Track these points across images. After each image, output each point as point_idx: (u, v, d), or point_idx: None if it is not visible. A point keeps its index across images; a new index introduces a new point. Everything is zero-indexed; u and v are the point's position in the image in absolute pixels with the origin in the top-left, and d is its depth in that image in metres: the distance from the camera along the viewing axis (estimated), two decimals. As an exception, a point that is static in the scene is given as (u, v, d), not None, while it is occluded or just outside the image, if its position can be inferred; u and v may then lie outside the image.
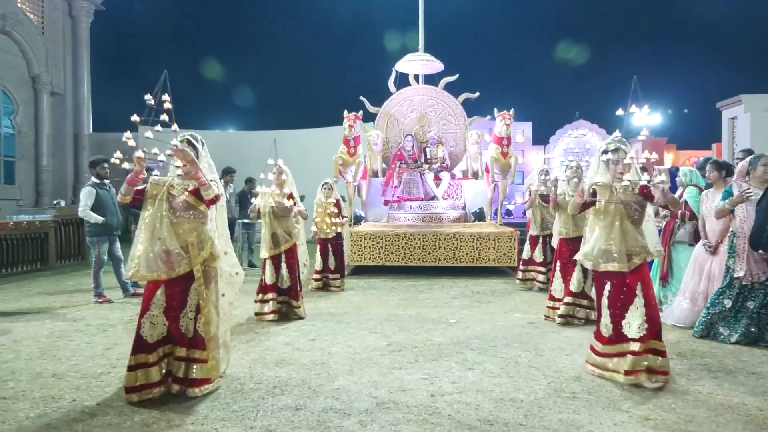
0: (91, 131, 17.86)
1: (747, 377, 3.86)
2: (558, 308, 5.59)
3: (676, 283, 5.67)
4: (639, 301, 3.74)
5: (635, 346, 3.68)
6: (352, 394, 3.53)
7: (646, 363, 3.68)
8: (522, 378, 3.83)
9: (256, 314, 5.82)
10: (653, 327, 3.72)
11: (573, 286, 5.48)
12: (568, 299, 5.49)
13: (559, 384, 3.70)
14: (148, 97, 3.53)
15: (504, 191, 9.93)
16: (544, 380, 3.78)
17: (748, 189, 4.56)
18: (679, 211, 5.58)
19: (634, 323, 3.71)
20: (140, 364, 3.42)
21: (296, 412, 3.24)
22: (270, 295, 5.82)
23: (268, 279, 5.84)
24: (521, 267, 7.82)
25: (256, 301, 5.89)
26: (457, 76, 11.37)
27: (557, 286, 5.75)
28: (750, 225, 4.63)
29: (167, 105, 3.51)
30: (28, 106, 15.76)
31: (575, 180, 5.74)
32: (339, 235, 7.84)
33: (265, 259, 5.92)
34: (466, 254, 8.94)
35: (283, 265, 5.88)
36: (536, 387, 3.65)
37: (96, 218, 6.79)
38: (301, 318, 5.81)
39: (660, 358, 3.73)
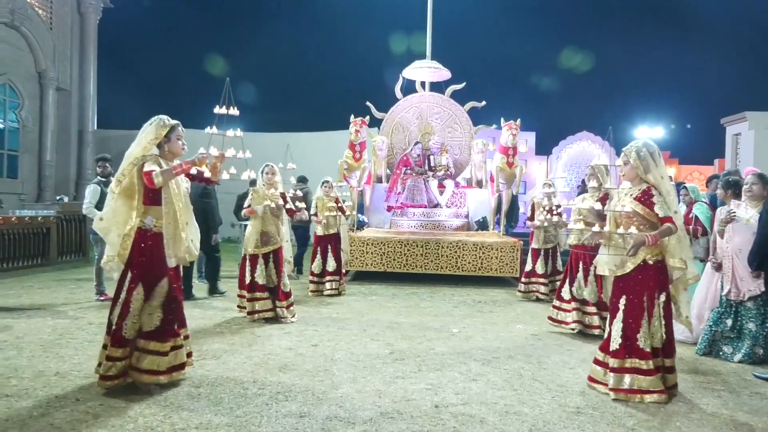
0: (95, 128, 17.87)
1: (751, 397, 3.86)
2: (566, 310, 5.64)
3: None
4: (620, 315, 3.76)
5: (645, 365, 3.68)
6: (356, 402, 3.52)
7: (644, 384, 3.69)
8: (526, 391, 3.82)
9: (249, 312, 5.86)
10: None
11: (575, 292, 5.59)
12: (574, 304, 5.62)
13: (564, 398, 3.69)
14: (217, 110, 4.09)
15: (508, 201, 9.94)
16: (548, 394, 3.77)
17: (731, 209, 4.71)
18: (691, 227, 5.61)
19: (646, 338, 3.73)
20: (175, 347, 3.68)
21: (300, 419, 3.23)
22: (264, 294, 5.89)
23: (259, 279, 5.89)
24: (523, 279, 7.82)
25: (248, 300, 5.89)
26: (464, 84, 11.39)
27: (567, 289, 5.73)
28: (734, 245, 4.71)
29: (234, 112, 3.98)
30: (33, 101, 15.77)
31: (594, 186, 5.62)
32: (338, 235, 7.86)
33: (253, 256, 5.93)
34: (469, 263, 8.93)
35: (271, 264, 5.95)
36: (540, 401, 3.64)
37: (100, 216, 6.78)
38: (285, 318, 5.84)
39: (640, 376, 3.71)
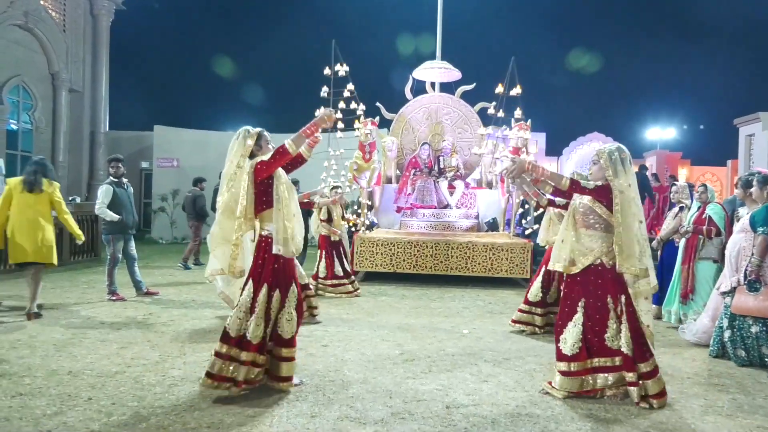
0: (107, 129, 18.04)
1: (767, 399, 3.80)
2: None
3: (699, 301, 5.60)
4: (578, 318, 3.70)
5: (564, 366, 3.68)
6: (366, 402, 3.51)
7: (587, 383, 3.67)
8: (537, 392, 3.80)
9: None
10: (587, 346, 3.67)
11: (531, 295, 5.67)
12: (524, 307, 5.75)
13: (576, 400, 3.66)
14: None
15: (518, 202, 9.88)
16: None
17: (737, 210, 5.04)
18: (704, 228, 5.56)
19: (569, 340, 3.69)
20: None
21: (311, 419, 3.23)
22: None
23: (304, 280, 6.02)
24: None
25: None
26: (474, 85, 11.35)
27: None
28: (729, 243, 4.94)
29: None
30: (46, 103, 15.93)
31: None
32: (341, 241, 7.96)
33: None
34: (479, 264, 8.89)
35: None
36: (552, 402, 3.61)
37: (112, 216, 6.84)
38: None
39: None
